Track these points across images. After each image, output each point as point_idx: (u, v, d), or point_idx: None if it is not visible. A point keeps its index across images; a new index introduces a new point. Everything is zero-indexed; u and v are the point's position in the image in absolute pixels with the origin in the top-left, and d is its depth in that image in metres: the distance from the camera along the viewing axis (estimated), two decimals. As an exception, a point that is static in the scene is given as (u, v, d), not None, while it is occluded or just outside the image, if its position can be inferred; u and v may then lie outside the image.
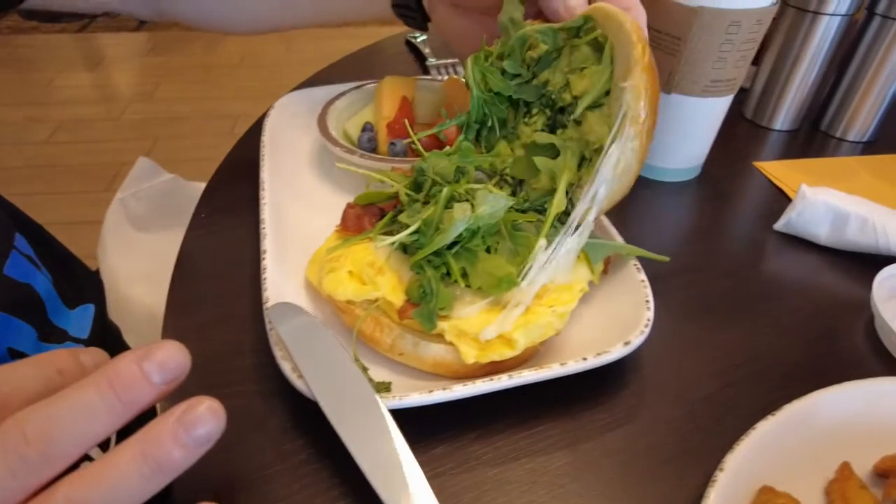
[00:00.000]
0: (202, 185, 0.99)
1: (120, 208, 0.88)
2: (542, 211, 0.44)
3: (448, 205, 0.41)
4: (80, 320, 0.56)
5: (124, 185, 0.91)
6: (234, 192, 0.60)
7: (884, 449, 0.37)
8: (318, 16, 0.70)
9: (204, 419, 0.25)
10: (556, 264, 0.41)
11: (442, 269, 0.40)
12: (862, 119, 0.73)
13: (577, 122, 0.44)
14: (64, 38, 3.40)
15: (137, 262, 0.84)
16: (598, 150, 0.41)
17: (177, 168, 2.56)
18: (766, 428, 0.36)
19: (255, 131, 0.69)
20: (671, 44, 0.55)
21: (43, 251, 0.54)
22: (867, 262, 0.54)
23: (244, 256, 0.52)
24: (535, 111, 0.47)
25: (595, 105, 0.42)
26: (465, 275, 0.40)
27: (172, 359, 0.27)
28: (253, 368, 0.43)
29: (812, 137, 0.77)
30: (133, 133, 2.60)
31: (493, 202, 0.39)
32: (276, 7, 0.68)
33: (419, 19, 0.61)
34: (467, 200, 0.41)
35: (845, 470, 0.35)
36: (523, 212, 0.44)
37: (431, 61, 0.83)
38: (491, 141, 0.49)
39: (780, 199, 0.64)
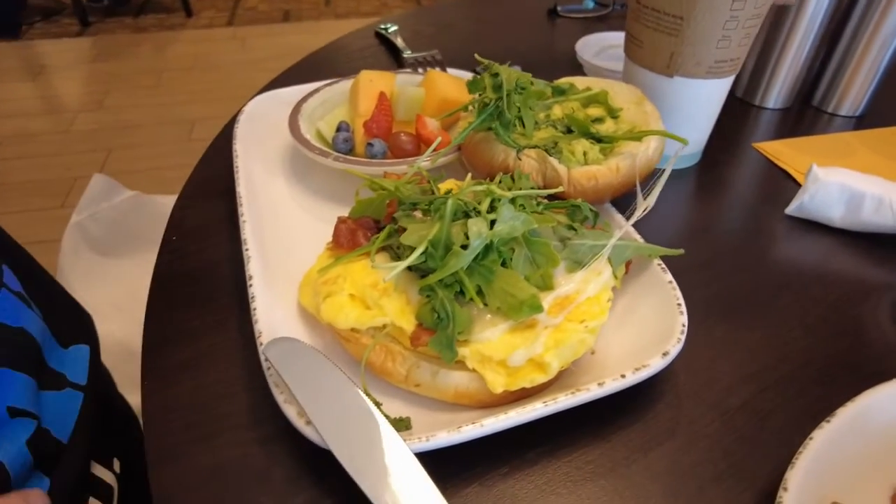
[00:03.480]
0: (167, 199, 0.92)
1: (77, 232, 0.81)
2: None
3: (455, 217, 0.37)
4: (75, 362, 0.51)
5: (80, 207, 0.84)
6: (205, 210, 0.55)
7: (946, 449, 0.34)
8: None
9: None
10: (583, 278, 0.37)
11: (455, 286, 0.36)
12: (854, 93, 0.72)
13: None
14: (1, 48, 3.21)
15: (104, 292, 0.78)
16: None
17: (135, 179, 2.46)
18: (822, 437, 0.33)
19: (222, 141, 0.64)
20: (672, 24, 0.51)
21: (31, 284, 0.48)
22: (885, 243, 0.52)
23: (224, 281, 0.47)
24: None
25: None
26: (480, 292, 0.36)
27: None
28: (248, 412, 0.38)
29: (804, 113, 0.75)
30: (84, 145, 2.47)
31: (513, 218, 0.35)
32: None
33: None
34: (476, 211, 0.37)
35: (912, 477, 0.32)
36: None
37: (408, 54, 0.78)
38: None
39: (785, 182, 0.61)
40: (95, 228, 0.82)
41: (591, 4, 1.02)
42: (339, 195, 0.53)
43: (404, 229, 0.38)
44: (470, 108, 0.49)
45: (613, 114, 0.51)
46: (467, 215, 0.37)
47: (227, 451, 0.36)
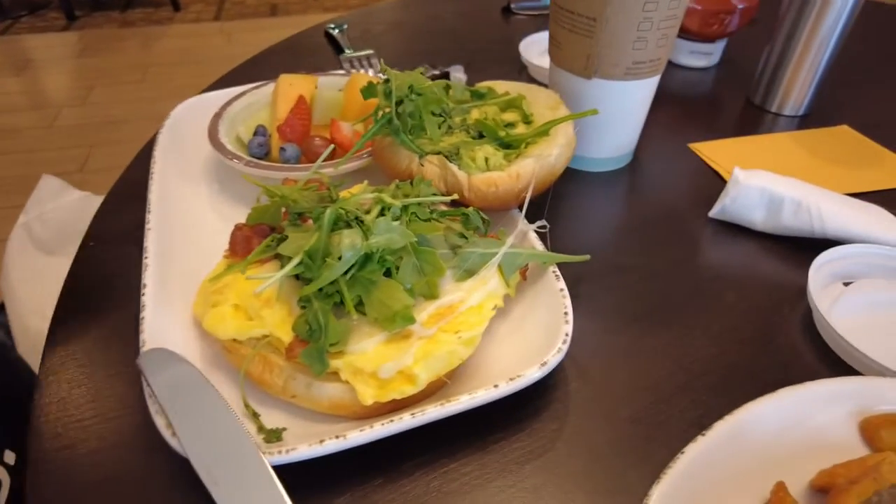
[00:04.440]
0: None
1: (23, 233, 0.81)
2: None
3: (336, 227, 0.37)
4: None
5: (27, 208, 0.84)
6: (124, 217, 0.55)
7: (820, 461, 0.34)
8: None
9: None
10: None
11: (335, 297, 0.36)
12: (796, 93, 0.71)
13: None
14: (-14, 42, 3.21)
15: (45, 289, 0.78)
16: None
17: (116, 176, 2.44)
18: (693, 451, 0.33)
19: (151, 146, 0.63)
20: (587, 25, 0.51)
21: None
22: (805, 248, 0.51)
23: (130, 291, 0.47)
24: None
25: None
26: (360, 303, 0.36)
27: None
28: (136, 421, 0.38)
29: (749, 112, 0.74)
30: (68, 141, 2.46)
31: (388, 231, 0.35)
32: None
33: None
34: (358, 220, 0.37)
35: (780, 490, 0.32)
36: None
37: (347, 53, 0.78)
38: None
39: (717, 184, 0.61)
40: (42, 229, 0.82)
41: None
42: (253, 199, 0.53)
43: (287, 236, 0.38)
44: (380, 113, 0.49)
45: (527, 119, 0.50)
46: (349, 225, 0.37)
47: (112, 454, 0.36)
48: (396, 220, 0.39)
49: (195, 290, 0.44)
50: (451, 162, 0.45)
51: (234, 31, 3.39)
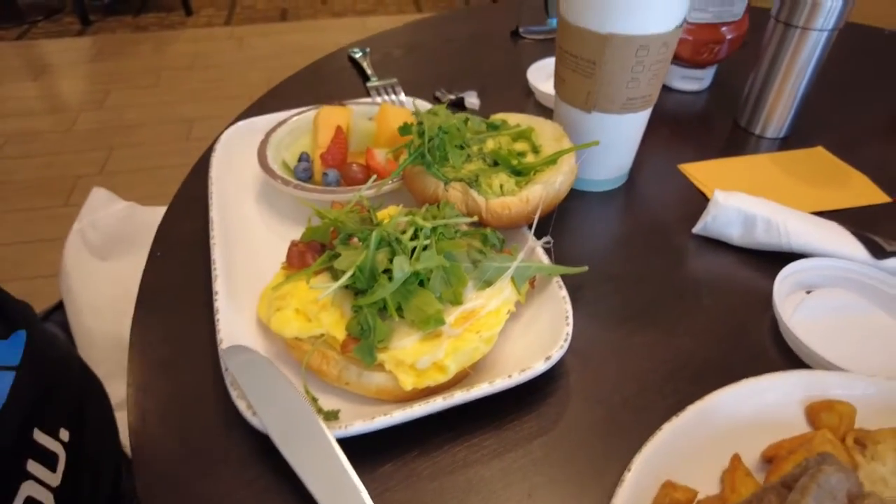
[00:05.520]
0: (156, 210, 1.01)
1: (78, 238, 0.90)
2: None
3: (380, 245, 0.45)
4: (11, 347, 0.58)
5: (80, 216, 0.92)
6: (186, 228, 0.63)
7: (771, 438, 0.42)
8: None
9: None
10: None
11: (380, 303, 0.44)
12: (777, 117, 0.79)
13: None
14: (3, 47, 3.29)
15: (99, 290, 0.87)
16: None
17: (136, 179, 2.54)
18: (669, 429, 0.42)
19: (206, 161, 0.72)
20: (587, 67, 0.59)
21: None
22: (774, 260, 0.59)
23: (199, 294, 0.55)
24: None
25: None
26: (399, 308, 0.44)
27: None
28: (214, 405, 0.46)
29: (735, 134, 0.82)
30: (86, 144, 2.55)
31: (428, 259, 0.43)
32: None
33: None
34: (397, 240, 0.45)
35: (735, 461, 0.40)
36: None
37: (373, 81, 0.86)
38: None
39: (702, 202, 0.69)
40: (94, 235, 0.91)
41: (554, 22, 1.09)
42: (300, 218, 0.61)
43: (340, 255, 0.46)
44: (412, 147, 0.57)
45: (536, 149, 0.59)
46: (390, 244, 0.46)
47: (198, 434, 0.45)
48: (427, 239, 0.47)
49: (257, 296, 0.52)
50: (471, 188, 0.53)
51: (245, 35, 3.47)
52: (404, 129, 0.55)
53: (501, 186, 0.53)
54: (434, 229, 0.48)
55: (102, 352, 0.85)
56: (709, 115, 0.88)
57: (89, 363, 0.79)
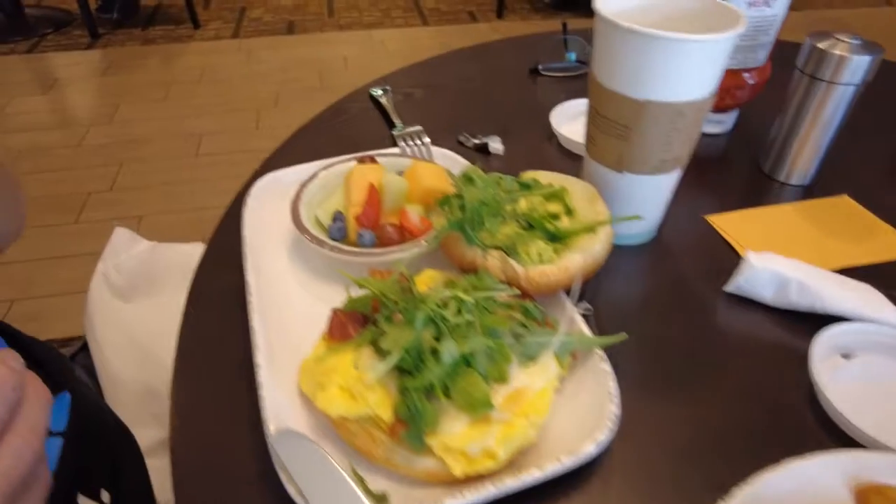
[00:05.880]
0: (179, 248, 1.01)
1: (102, 280, 0.90)
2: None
3: (425, 322, 0.45)
4: (58, 411, 0.57)
5: (104, 257, 0.92)
6: (218, 285, 0.63)
7: (819, 523, 0.42)
8: None
9: None
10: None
11: (426, 384, 0.45)
12: (802, 165, 0.79)
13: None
14: (13, 60, 3.31)
15: (124, 333, 0.87)
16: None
17: (145, 196, 2.55)
18: (717, 514, 0.42)
19: (235, 210, 0.72)
20: (620, 130, 0.59)
21: (15, 345, 0.56)
22: (808, 320, 0.60)
23: (236, 356, 0.56)
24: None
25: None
26: (445, 387, 0.45)
27: None
28: (257, 481, 0.47)
29: (758, 180, 0.83)
30: (96, 159, 2.56)
31: (477, 342, 0.43)
32: None
33: None
34: (443, 319, 0.45)
35: (786, 548, 0.41)
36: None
37: (398, 129, 0.87)
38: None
39: (729, 255, 0.69)
40: (117, 277, 0.91)
41: (573, 57, 1.10)
42: (335, 275, 0.62)
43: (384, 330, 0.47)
44: (445, 208, 0.58)
45: (569, 211, 0.59)
46: (436, 322, 0.46)
47: (240, 515, 0.45)
48: (470, 314, 0.47)
49: (297, 364, 0.52)
50: (509, 256, 0.53)
51: (252, 48, 3.48)
52: (444, 202, 0.55)
53: (540, 254, 0.54)
54: (476, 303, 0.48)
55: (128, 397, 0.85)
56: (731, 158, 0.88)
57: (115, 408, 0.79)
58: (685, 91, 0.56)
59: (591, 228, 0.54)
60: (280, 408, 0.48)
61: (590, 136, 0.64)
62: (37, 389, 0.32)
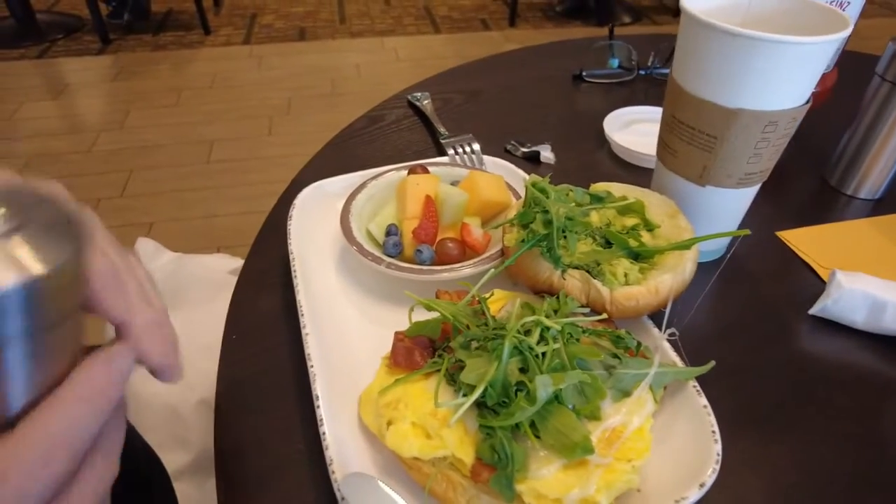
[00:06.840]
0: (202, 259, 0.96)
1: (125, 294, 0.85)
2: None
3: (512, 354, 0.40)
4: None
5: (127, 269, 0.88)
6: (260, 306, 0.58)
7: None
8: None
9: None
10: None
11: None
12: (873, 178, 0.74)
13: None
14: (24, 66, 3.27)
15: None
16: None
17: (156, 203, 2.52)
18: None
19: (270, 229, 0.67)
20: (707, 141, 0.54)
21: None
22: (904, 347, 0.55)
23: (286, 385, 0.51)
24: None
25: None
26: (533, 424, 0.40)
27: None
28: (320, 529, 0.42)
29: (823, 194, 0.78)
30: (107, 165, 2.52)
31: (572, 377, 0.39)
32: None
33: None
34: (530, 350, 0.41)
35: None
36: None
37: (446, 136, 0.82)
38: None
39: (807, 274, 0.64)
40: (141, 290, 0.86)
41: (615, 63, 1.05)
42: (389, 292, 0.57)
43: (461, 360, 0.42)
44: (514, 222, 0.53)
45: (649, 226, 0.54)
46: (521, 352, 0.41)
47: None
48: (555, 342, 0.42)
49: (356, 392, 0.47)
50: (592, 276, 0.48)
51: (263, 54, 3.45)
52: (524, 216, 0.50)
53: (626, 275, 0.49)
54: (561, 331, 0.43)
55: (153, 418, 0.80)
56: (794, 170, 0.83)
57: (140, 430, 0.74)
58: (780, 99, 0.51)
59: (685, 246, 0.49)
60: (341, 443, 0.43)
61: (666, 146, 0.59)
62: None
